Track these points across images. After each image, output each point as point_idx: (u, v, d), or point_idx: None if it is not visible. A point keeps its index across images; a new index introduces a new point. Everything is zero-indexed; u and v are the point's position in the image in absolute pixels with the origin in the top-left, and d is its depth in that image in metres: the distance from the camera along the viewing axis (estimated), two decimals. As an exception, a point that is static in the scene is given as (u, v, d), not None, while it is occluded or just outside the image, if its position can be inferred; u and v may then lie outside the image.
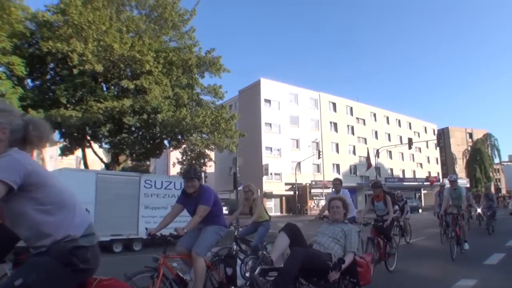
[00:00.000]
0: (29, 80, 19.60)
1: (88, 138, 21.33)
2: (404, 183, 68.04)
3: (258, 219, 8.17)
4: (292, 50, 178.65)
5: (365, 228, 8.44)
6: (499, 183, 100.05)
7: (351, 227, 5.19)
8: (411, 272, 8.42)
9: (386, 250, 8.39)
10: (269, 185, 52.17)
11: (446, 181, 14.93)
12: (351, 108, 67.80)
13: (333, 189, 10.37)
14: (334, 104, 65.16)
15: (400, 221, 13.72)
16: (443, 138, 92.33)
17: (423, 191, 73.62)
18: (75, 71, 17.53)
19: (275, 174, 53.70)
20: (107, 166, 22.23)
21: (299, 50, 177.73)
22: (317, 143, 59.53)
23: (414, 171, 76.50)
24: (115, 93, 20.21)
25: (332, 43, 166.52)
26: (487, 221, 16.77)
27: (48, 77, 19.97)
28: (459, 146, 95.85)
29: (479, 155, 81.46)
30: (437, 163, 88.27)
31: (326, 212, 11.56)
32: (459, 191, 11.40)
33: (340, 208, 5.35)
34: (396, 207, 13.83)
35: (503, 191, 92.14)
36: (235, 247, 7.40)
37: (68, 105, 18.12)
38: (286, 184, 53.94)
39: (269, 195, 52.46)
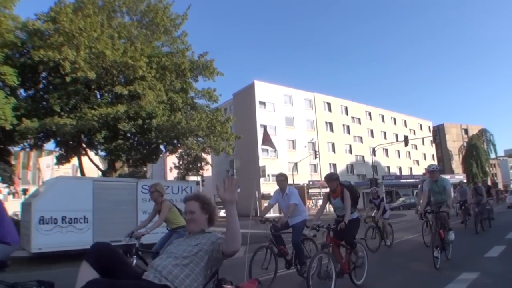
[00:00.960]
0: (21, 90, 19.50)
1: (84, 145, 21.24)
2: (401, 181, 68.26)
3: (171, 225, 7.16)
4: (286, 52, 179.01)
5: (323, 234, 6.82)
6: (495, 178, 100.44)
7: (210, 236, 3.19)
8: (408, 268, 8.40)
9: (349, 259, 6.88)
10: (267, 186, 52.12)
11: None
12: (346, 108, 67.97)
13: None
14: (329, 104, 65.32)
15: (378, 222, 12.35)
16: (438, 134, 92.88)
17: (420, 188, 73.54)
18: (68, 79, 17.44)
19: (272, 175, 53.53)
20: (104, 173, 22.12)
21: (292, 52, 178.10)
22: (313, 143, 59.67)
23: (411, 168, 76.65)
24: (109, 99, 20.13)
25: (324, 44, 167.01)
26: (474, 219, 14.64)
27: (41, 86, 19.86)
28: (455, 142, 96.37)
29: (475, 150, 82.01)
30: (434, 159, 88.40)
31: (272, 214, 11.12)
32: (442, 184, 9.35)
33: (195, 214, 3.33)
34: (385, 205, 12.85)
35: (500, 186, 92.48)
36: (134, 261, 6.14)
37: (62, 113, 18.02)
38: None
39: (267, 197, 52.26)
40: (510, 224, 17.15)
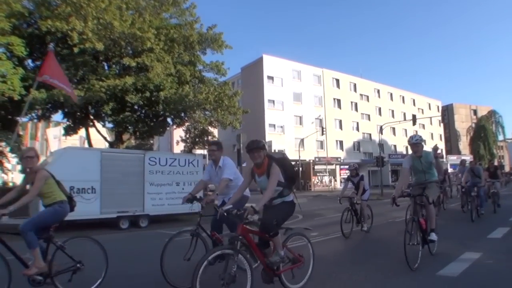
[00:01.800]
0: (29, 61, 19.50)
1: (91, 117, 21.30)
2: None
3: (46, 200, 5.45)
4: (295, 26, 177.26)
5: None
6: (502, 160, 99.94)
7: None
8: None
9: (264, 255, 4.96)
10: (273, 162, 52.19)
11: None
12: (355, 85, 67.43)
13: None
14: (337, 81, 64.81)
15: (356, 204, 10.69)
16: (447, 114, 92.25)
17: (426, 167, 73.50)
18: (76, 50, 17.38)
19: (279, 150, 53.74)
20: (111, 145, 22.22)
21: (302, 26, 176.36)
22: (321, 120, 59.44)
23: (418, 147, 76.28)
24: (117, 71, 20.07)
25: (336, 18, 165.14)
26: (470, 205, 12.99)
27: (48, 57, 19.82)
28: (463, 123, 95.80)
29: (483, 132, 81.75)
30: (441, 139, 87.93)
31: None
32: (428, 159, 7.55)
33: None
34: (365, 184, 11.05)
35: (507, 168, 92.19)
36: None
37: (70, 85, 18.02)
38: (291, 160, 54.05)
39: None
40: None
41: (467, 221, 12.05)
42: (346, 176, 14.70)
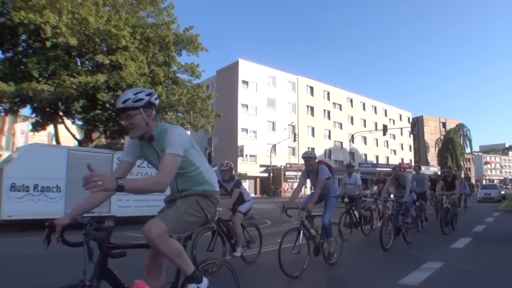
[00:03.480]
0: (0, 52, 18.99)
1: (61, 113, 20.81)
2: (377, 169, 68.98)
3: None
4: (272, 32, 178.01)
5: None
6: (469, 172, 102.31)
7: None
8: (372, 256, 8.48)
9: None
10: (244, 166, 52.28)
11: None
12: (328, 93, 68.18)
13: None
14: (311, 88, 65.41)
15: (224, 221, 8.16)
16: (417, 126, 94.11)
17: (395, 177, 74.83)
18: (48, 43, 16.96)
19: (250, 155, 53.85)
20: (80, 143, 21.75)
21: (279, 33, 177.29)
22: (293, 126, 59.85)
23: (387, 157, 77.63)
24: (90, 68, 19.72)
25: (313, 29, 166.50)
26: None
27: (20, 49, 19.24)
28: (432, 135, 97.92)
29: (451, 144, 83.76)
30: (410, 150, 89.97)
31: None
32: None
33: None
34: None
35: (473, 180, 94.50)
36: None
37: (40, 79, 17.57)
38: (261, 166, 54.20)
39: (244, 177, 52.56)
40: (478, 217, 17.51)
41: (431, 231, 12.19)
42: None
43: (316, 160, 7.27)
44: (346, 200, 11.18)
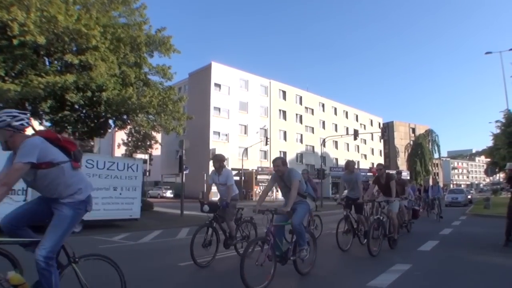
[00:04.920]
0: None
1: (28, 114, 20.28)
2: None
3: None
4: (245, 35, 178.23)
5: None
6: (437, 177, 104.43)
7: None
8: (340, 258, 8.48)
9: None
10: (216, 170, 52.10)
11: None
12: (301, 98, 68.64)
13: None
14: (284, 92, 65.70)
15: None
16: (387, 131, 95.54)
17: (365, 182, 75.94)
18: (15, 41, 16.48)
19: (222, 159, 53.63)
20: (48, 145, 21.23)
21: (252, 36, 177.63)
22: (265, 130, 59.96)
23: (358, 162, 78.39)
24: (58, 68, 19.25)
25: (285, 31, 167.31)
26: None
27: (-15, 46, 18.75)
28: (402, 140, 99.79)
29: (420, 149, 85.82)
30: (381, 155, 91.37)
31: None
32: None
33: None
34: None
35: (440, 184, 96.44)
36: None
37: (7, 78, 17.08)
38: (233, 169, 53.83)
39: (215, 180, 52.41)
40: (446, 221, 17.87)
41: (401, 234, 12.33)
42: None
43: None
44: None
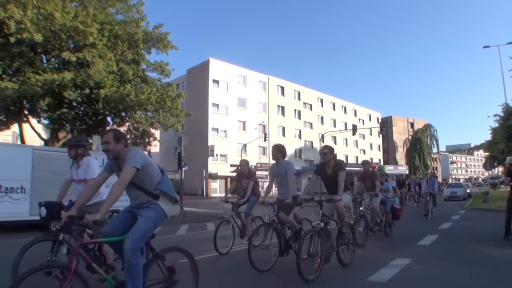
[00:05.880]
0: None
1: (26, 112, 20.18)
2: (347, 168, 69.83)
3: None
4: (243, 31, 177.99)
5: None
6: (436, 172, 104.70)
7: None
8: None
9: None
10: (215, 166, 52.22)
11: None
12: (299, 93, 68.56)
13: None
14: (282, 88, 65.65)
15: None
16: (386, 126, 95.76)
17: (364, 176, 76.08)
18: (12, 39, 16.39)
19: (221, 155, 53.75)
20: (46, 143, 21.13)
21: (250, 32, 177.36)
22: (264, 126, 59.94)
23: (357, 157, 78.50)
24: (56, 65, 19.17)
25: (284, 27, 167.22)
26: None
27: (-19, 44, 18.68)
28: (400, 135, 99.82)
29: (419, 144, 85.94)
30: (379, 150, 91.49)
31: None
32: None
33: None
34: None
35: (439, 179, 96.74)
36: None
37: (4, 76, 16.99)
38: (232, 165, 54.06)
39: (214, 176, 52.56)
40: (445, 215, 17.97)
41: (398, 228, 12.34)
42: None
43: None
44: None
